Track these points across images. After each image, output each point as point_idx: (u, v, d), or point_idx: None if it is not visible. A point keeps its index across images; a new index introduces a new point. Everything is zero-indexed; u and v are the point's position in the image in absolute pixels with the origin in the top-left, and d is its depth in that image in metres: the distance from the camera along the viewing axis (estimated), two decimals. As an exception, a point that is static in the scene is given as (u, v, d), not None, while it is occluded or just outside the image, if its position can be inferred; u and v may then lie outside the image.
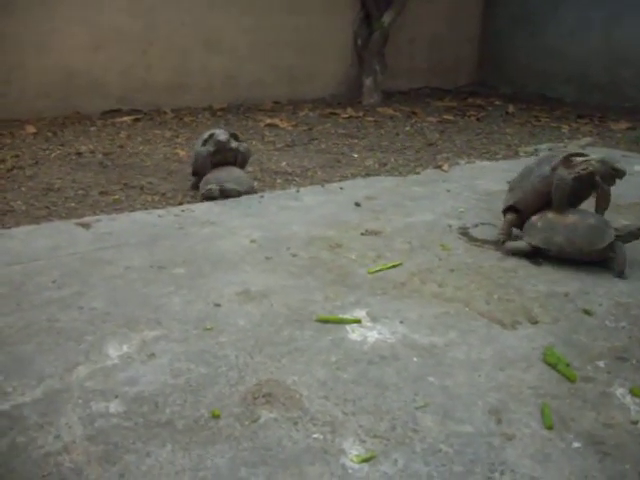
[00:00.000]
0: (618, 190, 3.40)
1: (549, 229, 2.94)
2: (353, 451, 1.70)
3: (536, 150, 5.47)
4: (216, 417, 1.81)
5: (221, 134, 3.94)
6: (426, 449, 1.71)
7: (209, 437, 1.74)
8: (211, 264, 2.84)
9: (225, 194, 3.76)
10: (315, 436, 1.75)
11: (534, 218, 3.03)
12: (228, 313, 2.40)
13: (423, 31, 8.63)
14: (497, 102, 7.99)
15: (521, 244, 3.03)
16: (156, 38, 6.73)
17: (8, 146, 5.06)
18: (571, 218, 2.94)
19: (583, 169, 2.93)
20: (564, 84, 8.24)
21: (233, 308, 2.44)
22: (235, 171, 3.93)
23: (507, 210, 3.18)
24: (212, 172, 3.93)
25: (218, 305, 2.46)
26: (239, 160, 4.00)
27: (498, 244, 3.12)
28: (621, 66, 7.72)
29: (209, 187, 3.79)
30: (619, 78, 7.74)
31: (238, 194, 3.79)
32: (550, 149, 5.50)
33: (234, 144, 3.97)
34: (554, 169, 2.97)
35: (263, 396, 1.92)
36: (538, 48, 8.50)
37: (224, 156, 3.95)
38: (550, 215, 2.98)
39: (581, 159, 2.99)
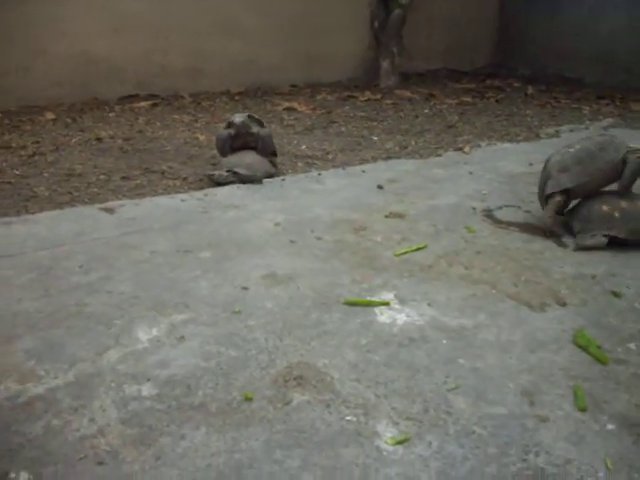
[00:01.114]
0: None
1: (632, 219, 2.90)
2: (387, 433, 1.70)
3: (557, 132, 5.41)
4: (248, 400, 1.82)
5: (238, 117, 3.93)
6: (460, 431, 1.71)
7: (242, 420, 1.75)
8: (236, 247, 2.84)
9: (238, 179, 3.76)
10: (348, 418, 1.75)
11: (605, 208, 2.95)
12: (255, 296, 2.40)
13: (440, 12, 8.54)
14: (516, 84, 7.91)
15: (600, 239, 2.91)
16: (174, 23, 6.71)
17: (28, 132, 5.08)
18: None
19: None
20: (584, 64, 8.12)
21: (260, 291, 2.44)
22: (250, 156, 3.91)
23: (558, 193, 3.05)
24: (229, 156, 3.94)
25: (245, 288, 2.46)
26: (259, 146, 3.98)
27: (545, 229, 3.03)
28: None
29: (218, 172, 3.80)
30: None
31: (249, 180, 3.77)
32: (572, 130, 5.44)
33: (255, 129, 3.96)
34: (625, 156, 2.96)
35: (294, 379, 1.92)
36: (557, 28, 8.38)
37: (245, 140, 3.95)
38: (623, 204, 2.94)
39: None
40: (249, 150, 3.95)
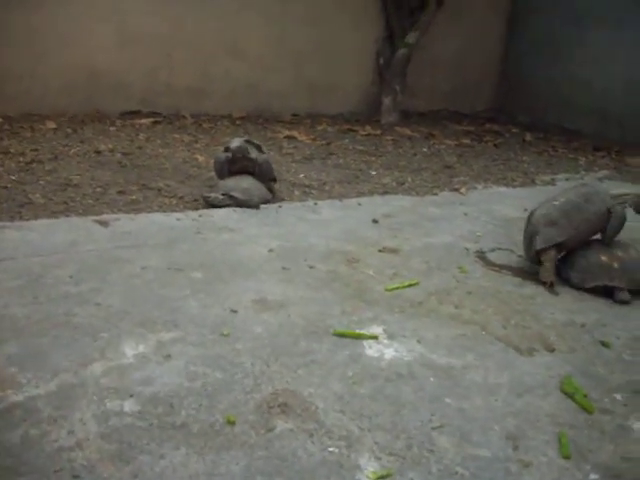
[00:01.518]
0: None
1: (630, 268, 2.96)
2: (369, 467, 1.68)
3: (553, 179, 5.46)
4: (231, 423, 1.80)
5: (235, 142, 3.94)
6: (442, 470, 1.70)
7: (224, 443, 1.73)
8: (229, 270, 2.84)
9: (233, 203, 3.77)
10: (331, 449, 1.74)
11: (604, 258, 2.98)
12: (245, 320, 2.39)
13: (445, 53, 8.63)
14: (514, 129, 7.98)
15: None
16: (181, 41, 6.75)
17: (28, 140, 5.08)
18: (633, 252, 3.04)
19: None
20: (583, 116, 8.21)
21: (250, 315, 2.43)
22: (247, 181, 3.91)
23: (550, 247, 3.03)
24: (226, 179, 3.95)
25: (235, 311, 2.45)
26: (257, 171, 3.97)
27: (546, 286, 2.98)
28: (643, 102, 7.70)
29: (214, 194, 3.82)
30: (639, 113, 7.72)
31: (245, 204, 3.77)
32: (567, 179, 5.49)
33: (254, 154, 3.97)
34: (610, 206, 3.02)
35: (279, 405, 1.90)
36: (559, 76, 8.47)
37: (243, 165, 3.95)
38: (619, 253, 3.00)
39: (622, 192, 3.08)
40: (247, 175, 3.96)
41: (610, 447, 1.88)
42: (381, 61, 7.91)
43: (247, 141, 3.99)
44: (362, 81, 8.02)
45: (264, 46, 7.26)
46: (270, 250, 3.11)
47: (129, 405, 1.85)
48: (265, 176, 3.99)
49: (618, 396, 2.15)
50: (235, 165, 3.96)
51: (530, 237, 3.10)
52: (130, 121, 6.31)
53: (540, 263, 3.05)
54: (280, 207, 3.85)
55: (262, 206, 3.80)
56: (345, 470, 1.66)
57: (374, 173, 5.08)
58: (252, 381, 2.01)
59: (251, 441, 1.74)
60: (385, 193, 4.49)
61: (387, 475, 1.65)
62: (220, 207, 3.74)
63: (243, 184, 3.86)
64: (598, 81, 8.05)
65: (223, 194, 3.79)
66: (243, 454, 1.69)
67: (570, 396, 2.11)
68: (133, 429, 1.75)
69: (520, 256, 3.34)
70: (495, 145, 6.94)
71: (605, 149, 7.16)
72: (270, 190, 4.05)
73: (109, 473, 1.59)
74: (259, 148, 4.02)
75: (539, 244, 3.03)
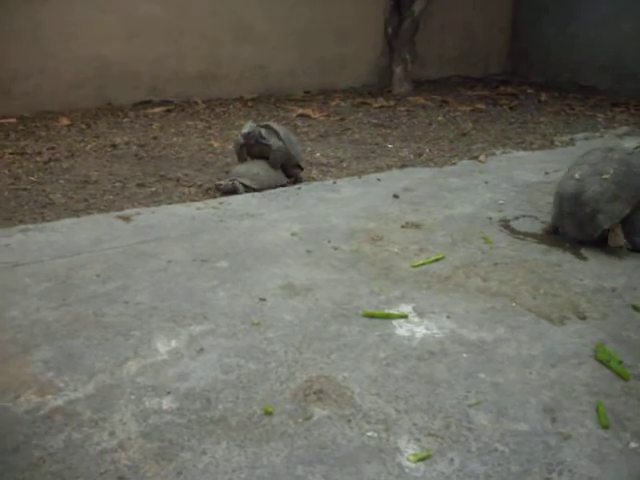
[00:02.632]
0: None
1: None
2: (409, 450, 1.69)
3: (572, 140, 5.39)
4: (269, 414, 1.81)
5: (245, 127, 3.90)
6: (482, 448, 1.70)
7: (263, 434, 1.74)
8: (253, 257, 2.84)
9: (240, 189, 3.78)
10: (369, 434, 1.74)
11: None
12: (274, 307, 2.40)
13: (453, 19, 8.52)
14: (529, 90, 7.87)
15: None
16: (188, 27, 6.72)
17: (43, 138, 5.10)
18: None
19: None
20: (597, 72, 8.09)
21: (278, 303, 2.44)
22: (259, 166, 3.90)
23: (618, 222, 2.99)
24: (239, 165, 3.96)
25: (263, 299, 2.46)
26: (271, 158, 3.94)
27: (621, 248, 2.99)
28: (656, 53, 7.56)
29: (225, 181, 3.85)
30: (654, 65, 7.58)
31: (253, 190, 3.78)
32: (586, 138, 5.42)
33: (272, 140, 3.90)
34: None
35: (314, 393, 1.91)
36: (569, 36, 8.35)
37: (261, 149, 3.92)
38: None
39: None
40: (263, 160, 3.94)
41: (649, 413, 1.87)
42: (389, 31, 7.81)
43: (265, 126, 3.93)
44: (372, 53, 7.95)
45: (270, 25, 7.20)
46: (293, 234, 3.10)
47: (167, 402, 1.87)
48: (277, 163, 3.93)
49: (654, 360, 2.14)
50: (254, 149, 3.94)
51: (588, 217, 2.99)
52: (143, 111, 6.31)
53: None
54: (299, 188, 3.84)
55: (281, 189, 3.80)
56: (385, 454, 1.67)
57: (391, 146, 5.05)
58: (286, 369, 2.02)
59: (290, 431, 1.75)
60: (403, 166, 4.46)
61: (427, 456, 1.66)
62: (230, 194, 3.74)
63: (254, 169, 3.85)
64: (609, 38, 7.93)
65: (231, 180, 3.79)
66: (283, 444, 1.70)
67: (605, 364, 2.09)
68: (173, 426, 1.77)
69: (544, 222, 3.31)
70: (510, 108, 6.85)
71: (623, 105, 7.05)
72: (291, 176, 4.03)
73: (153, 472, 1.61)
74: (277, 134, 3.93)
75: (607, 222, 2.96)
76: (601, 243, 3.00)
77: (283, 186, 3.89)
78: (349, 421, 1.79)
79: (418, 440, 1.72)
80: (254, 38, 7.12)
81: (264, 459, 1.65)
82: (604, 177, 3.02)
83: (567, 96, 7.58)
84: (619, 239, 2.98)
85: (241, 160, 3.97)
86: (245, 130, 3.86)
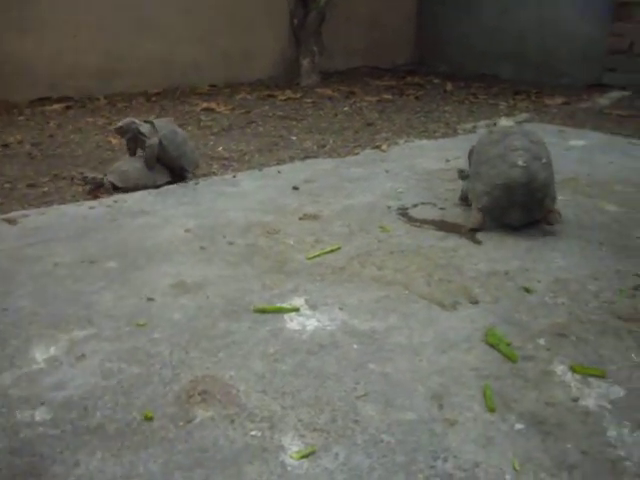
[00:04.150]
0: (554, 166, 3.41)
1: None
2: (293, 447, 1.64)
3: (474, 127, 5.47)
4: (149, 419, 1.73)
5: (119, 123, 3.77)
6: (367, 440, 1.67)
7: (141, 441, 1.66)
8: (144, 256, 2.74)
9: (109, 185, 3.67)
10: (253, 433, 1.69)
11: None
12: (162, 307, 2.31)
13: (360, 10, 8.55)
14: (435, 80, 7.98)
15: None
16: (86, 21, 6.49)
17: None
18: None
19: None
20: (500, 61, 8.28)
21: (167, 302, 2.35)
22: (132, 164, 3.75)
23: None
24: (123, 160, 3.83)
25: (151, 299, 2.36)
26: (144, 155, 3.75)
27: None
28: (555, 42, 7.79)
29: (88, 174, 3.76)
30: (554, 54, 7.81)
31: (117, 188, 3.64)
32: (488, 125, 5.51)
33: (146, 136, 3.71)
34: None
35: (199, 394, 1.84)
36: (473, 26, 8.52)
37: (142, 146, 3.76)
38: None
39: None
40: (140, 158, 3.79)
41: (534, 394, 1.88)
42: (295, 22, 7.77)
43: (149, 122, 3.78)
44: (278, 45, 7.89)
45: (173, 18, 7.05)
46: (187, 230, 3.01)
47: (40, 414, 1.76)
48: (150, 162, 3.71)
49: (541, 341, 2.16)
50: (140, 145, 3.79)
51: (538, 202, 3.03)
52: (40, 108, 6.07)
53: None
54: (197, 184, 3.74)
55: (180, 184, 3.69)
56: (268, 453, 1.62)
57: (294, 138, 5.00)
58: (170, 371, 1.94)
59: (170, 435, 1.68)
60: (306, 158, 4.42)
61: (311, 452, 1.61)
62: (95, 189, 3.65)
63: (125, 167, 3.71)
64: (511, 27, 8.14)
65: (93, 177, 3.68)
66: (162, 450, 1.62)
67: (494, 347, 2.10)
68: (45, 439, 1.66)
69: (442, 209, 3.33)
70: (416, 97, 6.92)
71: (525, 92, 7.23)
72: (178, 175, 3.84)
73: (20, 489, 1.51)
74: (155, 132, 3.71)
75: (552, 204, 3.08)
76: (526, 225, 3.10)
77: (157, 187, 3.70)
78: (232, 421, 1.73)
79: (303, 436, 1.68)
80: (156, 31, 6.94)
81: (140, 467, 1.57)
82: (543, 162, 3.07)
83: (472, 85, 7.72)
84: (558, 216, 3.09)
85: (131, 155, 3.84)
86: (118, 124, 3.74)
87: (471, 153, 3.32)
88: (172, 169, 3.79)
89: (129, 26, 6.78)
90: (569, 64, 7.71)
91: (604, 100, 6.72)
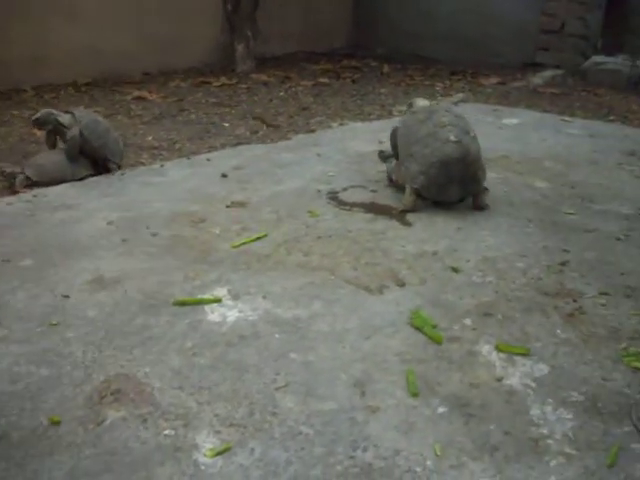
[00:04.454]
0: (487, 144, 3.41)
1: None
2: (207, 444, 1.57)
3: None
4: (56, 424, 1.64)
5: (38, 114, 3.61)
6: (285, 433, 1.61)
7: (47, 448, 1.57)
8: (63, 252, 2.62)
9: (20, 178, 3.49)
10: (166, 432, 1.61)
11: None
12: (77, 304, 2.20)
13: (294, -6, 8.44)
14: (372, 63, 7.93)
15: None
16: (9, 10, 6.22)
17: None
18: None
19: None
20: (436, 43, 8.27)
21: (83, 298, 2.25)
22: (49, 157, 3.60)
23: None
24: (43, 153, 3.68)
25: (66, 297, 2.25)
26: (64, 147, 3.59)
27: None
28: (490, 23, 7.81)
29: (11, 168, 3.56)
30: (489, 35, 7.83)
31: (33, 183, 3.46)
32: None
33: (66, 128, 3.53)
34: None
35: (111, 394, 1.76)
36: (409, 8, 8.49)
37: (61, 138, 3.62)
38: None
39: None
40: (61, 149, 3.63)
41: (458, 376, 1.85)
42: (229, 7, 7.60)
43: (70, 113, 3.61)
44: (212, 31, 7.72)
45: (102, 5, 6.81)
46: (109, 223, 2.90)
47: (-60, 423, 1.65)
48: (71, 154, 3.54)
49: (468, 321, 2.13)
50: (62, 137, 3.63)
51: (472, 176, 3.05)
52: (-38, 102, 5.80)
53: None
54: (123, 174, 3.61)
55: (104, 176, 3.56)
56: (181, 452, 1.55)
57: (227, 125, 4.89)
58: (82, 372, 1.85)
59: (78, 440, 1.59)
60: (238, 144, 4.33)
61: (226, 449, 1.55)
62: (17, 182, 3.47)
63: (41, 160, 3.55)
64: (447, 8, 8.15)
65: (11, 171, 3.50)
66: (68, 456, 1.54)
67: (419, 329, 2.07)
68: (-57, 450, 1.56)
69: (373, 191, 3.29)
70: (353, 81, 6.86)
71: (461, 73, 7.24)
72: (101, 168, 3.66)
73: None
74: (75, 122, 3.53)
75: (484, 177, 3.12)
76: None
77: (79, 180, 3.53)
78: (145, 421, 1.65)
79: (218, 432, 1.61)
80: (84, 18, 6.70)
81: (44, 476, 1.48)
82: (472, 135, 3.08)
83: (409, 67, 7.70)
84: (486, 198, 3.13)
85: (50, 148, 3.68)
86: (35, 116, 3.58)
87: (394, 134, 3.29)
88: (95, 160, 3.64)
89: (56, 14, 6.53)
90: (504, 44, 7.75)
91: (538, 79, 6.78)
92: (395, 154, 3.29)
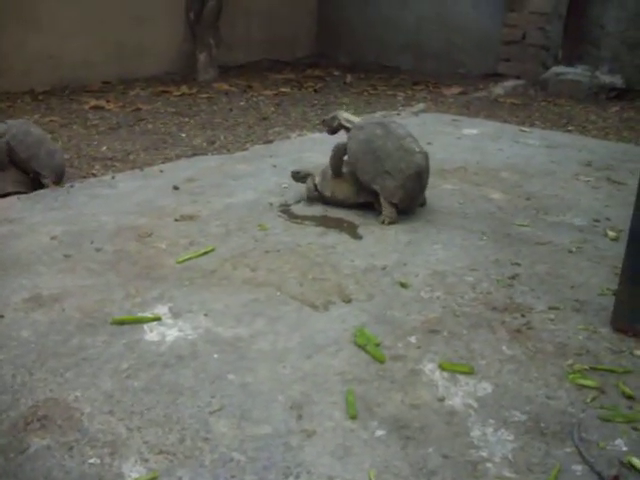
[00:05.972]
0: (445, 155, 3.40)
1: None
2: (133, 474, 1.51)
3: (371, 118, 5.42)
4: (-25, 453, 1.57)
5: None
6: (216, 460, 1.55)
7: (-37, 479, 1.50)
8: (0, 269, 2.53)
9: None
10: (91, 461, 1.54)
11: None
12: (11, 324, 2.12)
13: (259, 2, 8.39)
14: (336, 72, 7.93)
15: None
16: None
17: None
18: None
19: None
20: (400, 52, 8.30)
21: (18, 318, 2.17)
22: None
23: None
24: None
25: (0, 316, 2.17)
26: None
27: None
28: (453, 33, 7.86)
29: None
30: (452, 45, 7.88)
31: None
32: (385, 116, 5.48)
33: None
34: None
35: (38, 420, 1.68)
36: (373, 17, 8.50)
37: None
38: None
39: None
40: None
41: (399, 396, 1.81)
42: (191, 16, 7.54)
43: (2, 122, 3.50)
44: (174, 39, 7.65)
45: (60, 11, 6.70)
46: (53, 237, 2.81)
47: None
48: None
49: (413, 339, 2.10)
50: None
51: (421, 182, 3.12)
52: None
53: None
54: (72, 187, 3.53)
55: (50, 188, 3.45)
56: (105, 482, 1.48)
57: (184, 135, 4.83)
58: (10, 396, 1.77)
59: (-2, 470, 1.52)
60: (194, 155, 4.27)
61: (152, 479, 1.49)
62: None
63: None
64: (409, 18, 8.17)
65: None
66: (-14, 488, 1.47)
67: (362, 348, 2.02)
68: None
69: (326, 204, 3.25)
70: (315, 90, 6.84)
71: (423, 83, 7.26)
72: (35, 182, 3.52)
73: None
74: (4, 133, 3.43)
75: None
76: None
77: (4, 196, 3.39)
78: (71, 449, 1.58)
79: (146, 461, 1.55)
80: (42, 25, 6.59)
81: (-42, 510, 1.41)
82: (417, 146, 3.13)
83: (372, 77, 7.71)
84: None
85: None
86: None
87: (339, 151, 3.20)
88: (27, 174, 3.51)
89: (11, 20, 6.41)
90: (466, 55, 7.80)
91: (499, 89, 6.82)
92: (335, 171, 3.22)
